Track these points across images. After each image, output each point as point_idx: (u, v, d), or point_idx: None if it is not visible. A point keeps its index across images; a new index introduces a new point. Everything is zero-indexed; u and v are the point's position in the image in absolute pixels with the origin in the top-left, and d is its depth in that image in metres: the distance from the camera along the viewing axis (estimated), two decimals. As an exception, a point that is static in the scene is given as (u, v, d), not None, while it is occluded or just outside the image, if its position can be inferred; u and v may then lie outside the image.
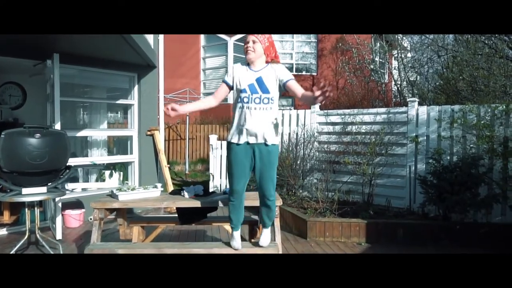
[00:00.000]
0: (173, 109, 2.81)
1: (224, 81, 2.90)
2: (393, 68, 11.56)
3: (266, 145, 2.75)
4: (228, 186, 3.04)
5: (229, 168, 2.89)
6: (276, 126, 2.81)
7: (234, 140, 2.78)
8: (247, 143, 2.75)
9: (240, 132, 2.75)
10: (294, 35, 13.74)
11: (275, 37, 12.98)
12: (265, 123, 2.72)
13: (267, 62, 2.82)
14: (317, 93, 2.34)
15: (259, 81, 2.72)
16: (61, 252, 3.97)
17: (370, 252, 4.25)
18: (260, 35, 2.75)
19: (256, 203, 3.30)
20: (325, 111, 6.32)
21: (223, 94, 2.93)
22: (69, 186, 5.45)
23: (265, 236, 3.11)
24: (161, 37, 6.61)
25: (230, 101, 13.52)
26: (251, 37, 2.75)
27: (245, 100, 2.70)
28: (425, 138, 5.23)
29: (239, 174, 2.83)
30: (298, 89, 2.77)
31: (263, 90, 2.70)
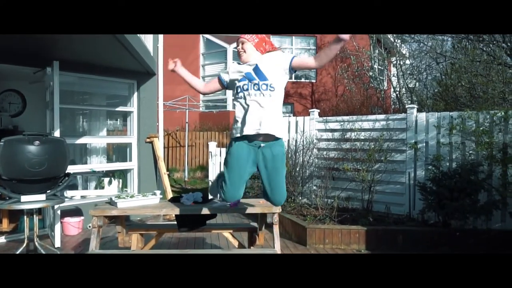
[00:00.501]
0: (174, 62, 2.86)
1: (218, 76, 2.84)
2: (392, 75, 11.61)
3: (270, 137, 2.56)
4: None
5: (224, 170, 2.68)
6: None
7: (237, 134, 2.60)
8: (249, 141, 2.57)
9: (242, 124, 2.57)
10: (293, 42, 13.81)
11: (274, 43, 13.02)
12: (266, 111, 2.54)
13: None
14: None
15: (256, 69, 2.60)
16: (60, 260, 3.95)
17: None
18: (248, 34, 2.67)
19: (255, 210, 3.30)
20: (324, 118, 6.34)
21: (212, 86, 2.89)
22: (68, 193, 5.44)
23: None
24: (160, 44, 6.64)
25: (229, 108, 13.53)
26: (240, 39, 2.70)
27: (245, 87, 2.59)
28: (424, 144, 5.24)
29: (235, 178, 2.62)
30: (307, 59, 2.66)
31: (261, 77, 2.57)
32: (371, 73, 11.57)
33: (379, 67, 12.34)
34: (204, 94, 2.99)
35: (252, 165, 2.64)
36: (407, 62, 11.40)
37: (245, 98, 2.59)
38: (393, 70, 11.75)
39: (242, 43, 2.67)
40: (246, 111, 2.57)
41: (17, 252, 3.73)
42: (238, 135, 2.60)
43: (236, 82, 2.67)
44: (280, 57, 2.67)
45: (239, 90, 2.63)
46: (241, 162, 2.61)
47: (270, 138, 2.58)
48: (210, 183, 7.18)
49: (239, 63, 2.75)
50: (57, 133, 4.57)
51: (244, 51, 2.67)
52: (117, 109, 6.58)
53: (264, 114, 2.54)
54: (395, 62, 11.30)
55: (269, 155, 2.60)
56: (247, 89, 2.58)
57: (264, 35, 2.71)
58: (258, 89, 2.56)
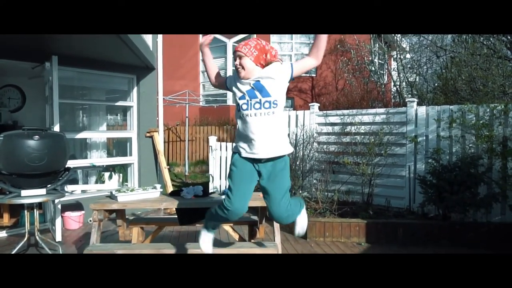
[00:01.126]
0: (208, 40, 2.65)
1: (225, 79, 2.69)
2: (392, 69, 11.59)
3: (273, 159, 2.48)
4: (227, 187, 2.87)
5: (229, 181, 2.58)
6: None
7: (238, 152, 2.53)
8: (252, 160, 2.49)
9: (243, 144, 2.50)
10: (293, 36, 13.76)
11: (274, 38, 12.98)
12: (269, 130, 2.43)
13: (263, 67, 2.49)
14: None
15: (257, 85, 2.42)
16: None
17: (370, 252, 4.25)
18: (245, 45, 2.45)
19: (256, 203, 3.30)
20: (324, 111, 6.33)
21: (218, 82, 2.74)
22: (69, 188, 5.44)
23: (299, 223, 2.81)
24: (159, 39, 6.62)
25: (229, 102, 13.50)
26: (237, 53, 2.46)
27: (244, 107, 2.43)
28: (424, 138, 5.24)
29: (241, 191, 2.51)
30: (305, 61, 2.52)
31: (264, 94, 2.40)
32: (371, 67, 11.54)
33: (380, 61, 12.31)
34: (213, 84, 2.82)
35: (255, 179, 2.56)
36: (407, 56, 11.38)
37: (243, 118, 2.45)
38: (393, 64, 11.73)
39: (240, 58, 2.45)
40: (245, 132, 2.46)
41: (19, 246, 3.75)
42: (238, 152, 2.53)
43: (236, 98, 2.52)
44: (281, 68, 2.48)
45: (238, 108, 2.48)
46: (246, 174, 2.52)
47: (272, 159, 2.49)
48: (210, 178, 7.19)
49: (238, 78, 2.52)
50: (56, 128, 4.57)
51: (243, 68, 2.44)
52: (117, 103, 6.58)
53: (264, 136, 2.43)
54: (395, 56, 11.27)
55: (269, 166, 2.50)
56: (246, 109, 2.43)
57: (263, 43, 2.49)
58: (260, 107, 2.41)
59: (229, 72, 12.26)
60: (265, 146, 2.43)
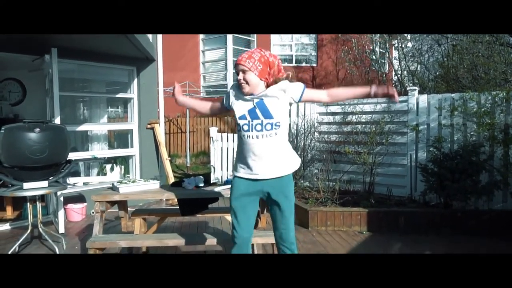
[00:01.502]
0: (177, 92, 2.62)
1: (222, 102, 2.55)
2: (393, 58, 11.52)
3: (276, 178, 2.38)
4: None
5: (231, 213, 2.46)
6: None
7: (237, 174, 2.43)
8: (254, 180, 2.37)
9: (244, 164, 2.39)
10: (293, 26, 13.68)
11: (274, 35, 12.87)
12: (271, 152, 2.32)
13: (268, 84, 2.32)
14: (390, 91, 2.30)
15: (260, 104, 2.28)
16: (64, 246, 4.00)
17: (371, 241, 4.27)
18: (249, 58, 2.27)
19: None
20: (325, 101, 6.31)
21: (216, 109, 2.64)
22: (71, 180, 5.47)
23: None
24: (159, 30, 6.59)
25: (230, 93, 13.32)
26: (240, 67, 2.28)
27: (245, 128, 2.30)
28: (425, 126, 5.23)
29: (242, 220, 2.41)
30: (319, 94, 2.43)
31: (266, 115, 2.27)
32: (372, 56, 11.47)
33: (381, 50, 12.24)
34: (211, 115, 2.77)
35: (257, 199, 2.47)
36: (409, 44, 11.30)
37: (244, 140, 2.33)
38: (395, 52, 11.66)
39: (243, 72, 2.27)
40: (248, 153, 2.34)
41: (22, 238, 3.78)
42: (238, 175, 2.43)
43: (236, 116, 2.37)
44: (289, 88, 2.33)
45: (239, 128, 2.35)
46: (243, 201, 2.42)
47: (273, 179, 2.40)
48: (212, 169, 7.21)
49: (240, 94, 2.37)
50: (57, 121, 4.57)
51: (247, 83, 2.28)
52: (117, 95, 6.58)
53: (267, 158, 2.32)
54: (396, 44, 11.20)
55: (272, 182, 2.39)
56: (247, 130, 2.30)
57: (267, 55, 2.30)
58: (262, 129, 2.28)
59: (230, 64, 12.20)
60: (267, 167, 2.34)
